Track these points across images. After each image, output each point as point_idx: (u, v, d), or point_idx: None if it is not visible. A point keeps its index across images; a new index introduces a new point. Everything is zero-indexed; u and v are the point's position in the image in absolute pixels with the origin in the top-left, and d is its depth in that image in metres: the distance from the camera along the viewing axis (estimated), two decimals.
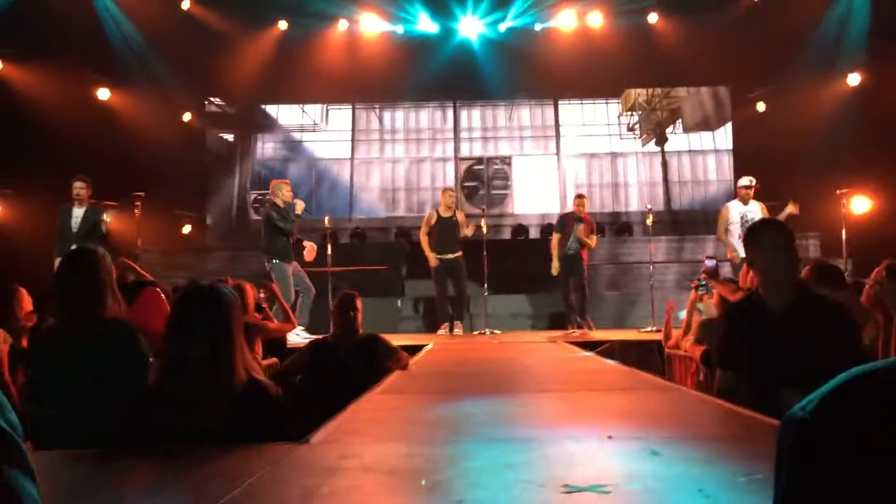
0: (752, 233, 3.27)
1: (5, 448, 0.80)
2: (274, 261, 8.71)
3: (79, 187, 8.78)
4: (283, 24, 14.95)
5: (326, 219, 10.28)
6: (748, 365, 3.11)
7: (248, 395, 2.55)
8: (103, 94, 12.56)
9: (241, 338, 2.66)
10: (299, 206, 8.89)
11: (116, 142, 12.06)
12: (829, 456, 0.72)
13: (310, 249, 8.89)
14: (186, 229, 14.48)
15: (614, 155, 18.31)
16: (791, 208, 9.24)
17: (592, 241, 10.07)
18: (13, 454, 0.81)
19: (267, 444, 2.35)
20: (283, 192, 8.99)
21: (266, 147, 18.78)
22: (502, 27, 15.86)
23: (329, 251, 9.97)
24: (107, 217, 8.94)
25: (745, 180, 9.54)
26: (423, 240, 9.90)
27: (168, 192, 12.75)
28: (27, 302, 6.15)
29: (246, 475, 1.93)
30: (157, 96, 13.37)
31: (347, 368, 4.99)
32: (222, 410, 2.47)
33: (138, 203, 9.75)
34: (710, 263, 6.04)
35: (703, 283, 6.39)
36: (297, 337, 8.13)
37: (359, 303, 5.40)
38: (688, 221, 16.83)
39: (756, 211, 9.29)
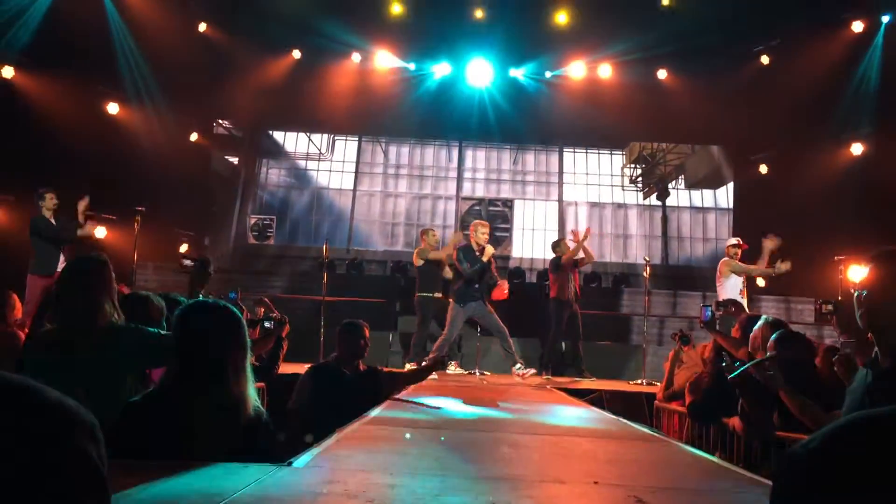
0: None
1: (96, 490, 0.81)
2: (450, 300, 8.69)
3: (53, 199, 8.83)
4: (296, 53, 15.10)
5: (324, 247, 10.25)
6: None
7: (245, 417, 2.54)
8: (112, 108, 12.64)
9: (247, 360, 2.65)
10: (487, 252, 8.66)
11: (121, 156, 12.10)
12: (829, 494, 0.72)
13: (501, 287, 8.88)
14: (183, 248, 14.45)
15: (617, 206, 18.41)
16: (782, 266, 9.47)
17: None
18: (101, 496, 0.82)
19: (251, 464, 2.32)
20: (477, 234, 8.81)
21: (270, 173, 18.85)
22: (513, 72, 16.03)
23: (324, 280, 9.95)
24: None
25: (732, 240, 9.92)
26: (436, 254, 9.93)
27: (168, 209, 12.75)
28: (18, 309, 6.11)
29: (227, 492, 1.90)
30: (166, 114, 13.44)
31: (353, 393, 5.03)
32: (218, 429, 2.45)
33: (138, 218, 9.74)
34: (706, 312, 6.03)
35: (685, 336, 6.40)
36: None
37: (367, 332, 5.52)
38: (684, 277, 16.86)
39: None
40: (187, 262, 5.66)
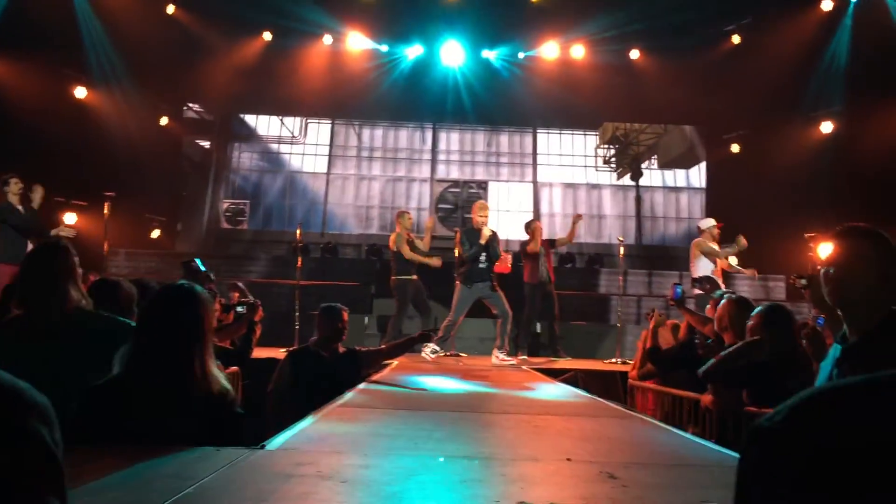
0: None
1: (51, 474, 0.79)
2: (457, 282, 8.65)
3: (18, 183, 8.69)
4: (267, 35, 14.93)
5: (298, 231, 10.18)
6: None
7: (211, 398, 2.52)
8: (80, 92, 12.43)
9: (211, 342, 2.64)
10: (483, 234, 8.58)
11: (90, 141, 11.92)
12: (797, 467, 0.72)
13: (504, 260, 8.81)
14: (155, 234, 14.33)
15: (591, 186, 18.47)
16: (741, 242, 9.54)
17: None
18: (55, 480, 0.79)
19: (223, 447, 2.31)
20: (477, 216, 8.78)
21: (242, 157, 18.67)
22: (486, 54, 15.99)
23: (299, 264, 9.90)
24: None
25: (708, 222, 9.88)
26: (413, 254, 9.83)
27: (139, 194, 12.62)
28: None
29: (199, 475, 1.90)
30: (135, 98, 13.25)
31: (333, 375, 5.08)
32: (183, 410, 2.44)
33: (107, 204, 9.62)
34: (677, 290, 6.14)
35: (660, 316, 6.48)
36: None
37: (345, 316, 5.55)
38: (658, 256, 16.97)
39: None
40: (195, 266, 5.66)
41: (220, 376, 2.62)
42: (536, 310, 10.07)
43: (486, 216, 8.83)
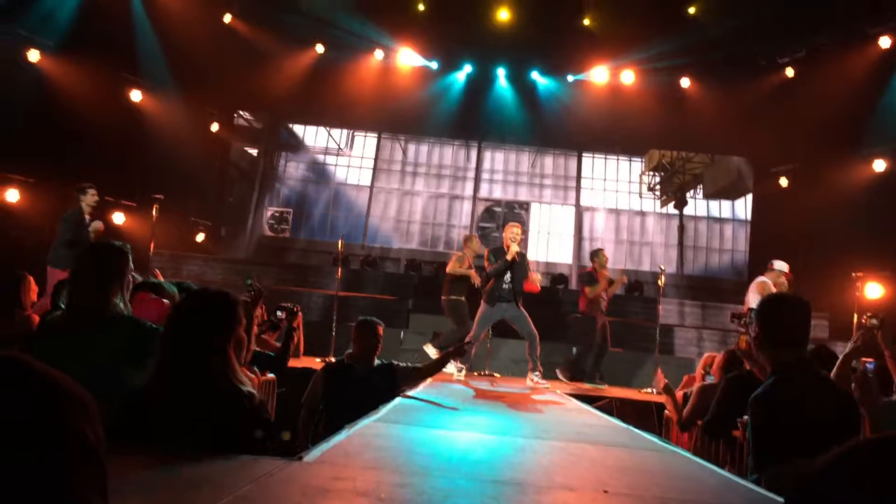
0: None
1: (92, 471, 0.78)
2: (482, 300, 8.68)
3: (95, 195, 8.76)
4: (319, 48, 15.13)
5: (340, 243, 10.24)
6: None
7: (234, 404, 2.52)
8: (135, 95, 12.68)
9: (230, 346, 2.64)
10: (511, 251, 8.50)
11: (141, 143, 12.16)
12: None
13: (532, 279, 8.71)
14: (200, 237, 14.53)
15: (633, 213, 18.34)
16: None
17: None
18: (97, 477, 0.79)
19: (261, 457, 2.32)
20: (507, 234, 8.69)
21: (289, 166, 18.90)
22: (535, 75, 16.00)
23: (338, 275, 9.95)
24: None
25: (782, 265, 9.17)
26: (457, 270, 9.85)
27: (187, 198, 12.81)
28: (34, 290, 6.16)
29: (237, 485, 1.91)
30: (187, 104, 13.48)
31: (365, 388, 5.11)
32: (206, 415, 2.45)
33: (156, 206, 9.78)
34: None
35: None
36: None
37: (380, 330, 5.57)
38: (699, 287, 16.77)
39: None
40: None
41: (246, 382, 2.62)
42: (597, 344, 10.06)
43: (516, 234, 8.77)
